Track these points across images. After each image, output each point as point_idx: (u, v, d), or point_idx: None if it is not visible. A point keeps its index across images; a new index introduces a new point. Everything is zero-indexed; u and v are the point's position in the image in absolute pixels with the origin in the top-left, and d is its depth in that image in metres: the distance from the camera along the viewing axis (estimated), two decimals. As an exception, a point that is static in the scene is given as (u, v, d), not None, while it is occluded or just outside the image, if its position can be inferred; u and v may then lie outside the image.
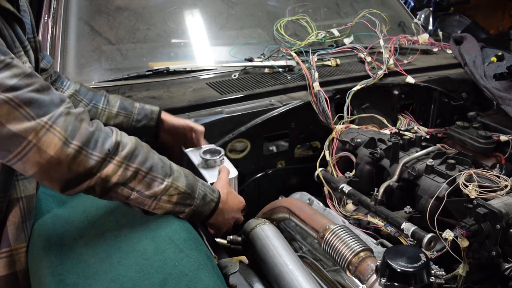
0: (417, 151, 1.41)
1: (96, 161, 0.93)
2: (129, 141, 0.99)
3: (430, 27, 2.73)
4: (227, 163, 1.38)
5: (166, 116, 1.45)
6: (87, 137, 0.92)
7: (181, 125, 1.45)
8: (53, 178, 0.92)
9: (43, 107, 0.89)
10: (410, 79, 1.87)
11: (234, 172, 1.33)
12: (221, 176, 1.28)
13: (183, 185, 1.05)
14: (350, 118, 1.69)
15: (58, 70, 1.71)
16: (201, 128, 1.45)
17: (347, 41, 2.07)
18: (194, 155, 1.40)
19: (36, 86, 0.90)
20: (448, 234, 1.11)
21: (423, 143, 1.46)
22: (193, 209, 1.08)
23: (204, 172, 1.33)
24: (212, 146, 1.43)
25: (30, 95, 0.88)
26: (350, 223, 1.38)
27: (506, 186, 1.18)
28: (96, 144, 0.93)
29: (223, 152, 1.38)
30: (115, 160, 0.95)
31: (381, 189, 1.32)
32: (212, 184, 1.22)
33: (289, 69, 1.84)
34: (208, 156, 1.36)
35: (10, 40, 1.00)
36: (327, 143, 1.61)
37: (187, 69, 1.81)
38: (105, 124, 1.09)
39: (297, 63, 1.84)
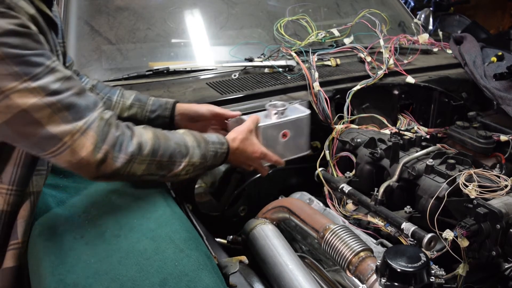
0: (417, 151, 1.41)
1: (122, 163, 1.01)
2: (148, 140, 1.06)
3: (430, 27, 2.73)
4: (293, 108, 1.51)
5: (183, 105, 1.44)
6: (113, 141, 0.99)
7: (201, 113, 1.44)
8: (83, 174, 1.00)
9: (80, 111, 0.95)
10: (410, 79, 1.87)
11: (264, 121, 1.40)
12: (239, 127, 1.31)
13: (197, 158, 1.15)
14: (350, 118, 1.69)
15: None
16: (227, 113, 1.45)
17: (347, 41, 2.06)
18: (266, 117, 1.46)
19: (76, 90, 0.95)
20: (448, 234, 1.11)
21: (423, 143, 1.46)
22: (208, 166, 1.20)
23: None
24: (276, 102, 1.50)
25: (71, 99, 0.93)
26: (350, 223, 1.38)
27: (506, 186, 1.18)
28: (121, 147, 1.00)
29: (284, 104, 1.46)
30: (139, 159, 1.04)
31: (381, 189, 1.32)
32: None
33: (289, 69, 1.84)
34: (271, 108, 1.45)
35: (52, 44, 1.04)
36: (327, 143, 1.61)
37: (187, 69, 1.81)
38: (119, 116, 1.19)
39: (297, 63, 1.84)
